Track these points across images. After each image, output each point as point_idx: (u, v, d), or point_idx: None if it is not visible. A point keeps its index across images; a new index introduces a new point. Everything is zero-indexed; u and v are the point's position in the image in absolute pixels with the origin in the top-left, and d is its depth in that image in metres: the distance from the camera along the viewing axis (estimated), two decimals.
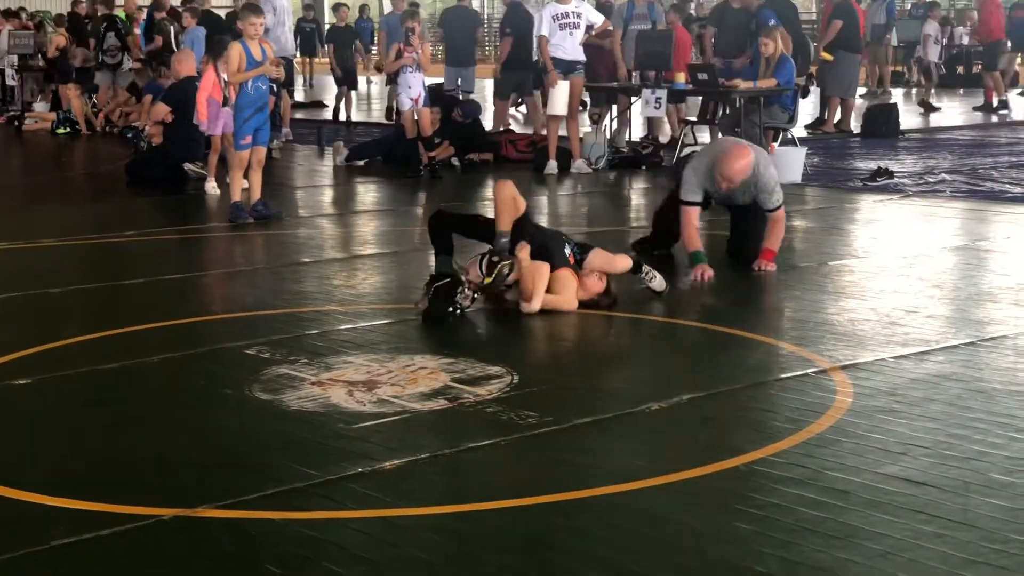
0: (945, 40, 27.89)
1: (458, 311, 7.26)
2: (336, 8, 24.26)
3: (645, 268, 7.92)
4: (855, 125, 19.00)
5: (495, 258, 7.37)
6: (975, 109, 23.22)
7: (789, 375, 6.13)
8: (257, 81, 11.12)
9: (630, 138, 15.84)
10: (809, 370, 6.20)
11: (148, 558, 4.13)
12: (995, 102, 22.86)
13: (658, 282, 7.87)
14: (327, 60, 23.36)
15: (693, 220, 8.66)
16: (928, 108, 22.96)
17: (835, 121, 18.81)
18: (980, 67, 26.81)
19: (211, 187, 13.33)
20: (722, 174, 8.38)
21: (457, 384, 5.97)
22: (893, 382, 5.97)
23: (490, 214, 7.92)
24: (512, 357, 6.53)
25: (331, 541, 4.22)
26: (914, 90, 27.67)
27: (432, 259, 7.85)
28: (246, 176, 11.21)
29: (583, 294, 7.52)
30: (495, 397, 5.76)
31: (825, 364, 6.28)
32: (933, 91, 24.99)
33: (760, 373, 6.20)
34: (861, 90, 23.69)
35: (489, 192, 13.64)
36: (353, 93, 21.98)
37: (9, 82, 24.40)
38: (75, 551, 4.15)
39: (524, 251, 7.36)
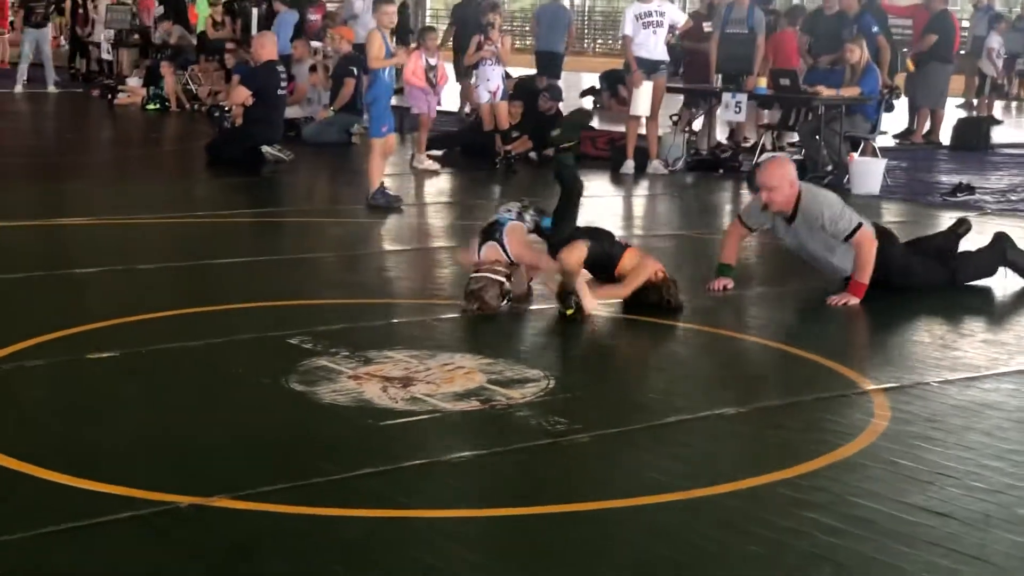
0: None
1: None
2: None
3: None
4: (945, 137, 18.70)
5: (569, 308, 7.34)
6: None
7: (828, 395, 6.06)
8: (390, 71, 11.46)
9: (710, 141, 15.71)
10: (850, 391, 6.13)
11: (159, 544, 4.18)
12: None
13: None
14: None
15: (734, 234, 8.60)
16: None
17: (924, 132, 18.55)
18: None
19: (427, 163, 14.06)
20: (760, 181, 8.26)
21: (492, 386, 5.96)
22: (933, 408, 5.88)
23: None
24: (552, 360, 6.53)
25: (338, 539, 4.25)
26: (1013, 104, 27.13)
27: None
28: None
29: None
30: (527, 401, 5.75)
31: (867, 385, 6.19)
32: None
33: (798, 391, 6.13)
34: (958, 101, 23.34)
35: None
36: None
37: (104, 56, 24.75)
38: (90, 533, 4.21)
39: (575, 254, 7.34)
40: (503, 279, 7.35)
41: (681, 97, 17.05)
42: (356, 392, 5.79)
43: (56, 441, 5.14)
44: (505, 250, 7.57)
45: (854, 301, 7.95)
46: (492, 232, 7.69)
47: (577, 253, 7.32)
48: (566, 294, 7.27)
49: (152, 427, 5.34)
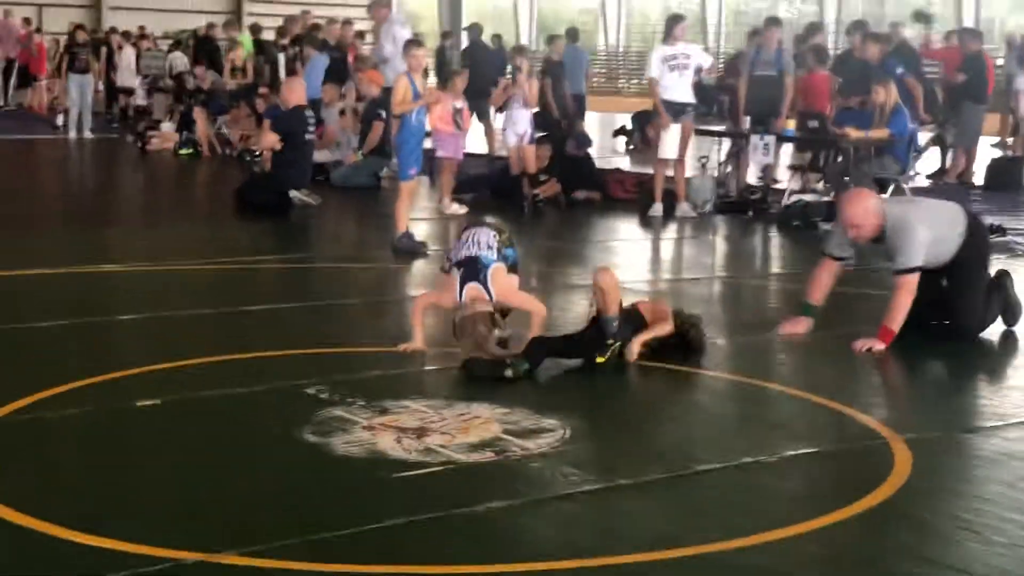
0: None
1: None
2: (551, 40, 21.89)
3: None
4: (979, 177, 18.57)
5: (609, 340, 7.28)
6: None
7: (849, 444, 5.98)
8: (419, 113, 11.49)
9: (739, 183, 15.65)
10: (872, 440, 6.04)
11: None
12: None
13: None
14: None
15: (825, 271, 8.47)
16: None
17: (958, 172, 18.43)
18: None
19: (454, 207, 14.10)
20: (844, 220, 8.19)
21: (507, 436, 5.92)
22: (956, 458, 5.81)
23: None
24: (569, 409, 6.45)
25: None
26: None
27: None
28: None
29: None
30: (543, 452, 5.70)
31: (890, 435, 6.10)
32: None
33: (819, 440, 6.06)
34: (993, 140, 23.19)
35: (591, 233, 13.63)
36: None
37: (139, 101, 24.96)
38: None
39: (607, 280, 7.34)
40: (492, 312, 7.32)
41: (711, 139, 17.03)
42: (370, 443, 5.76)
43: (68, 493, 5.13)
44: (489, 292, 7.46)
45: (880, 347, 7.84)
46: (475, 273, 7.50)
47: (608, 279, 7.32)
48: (601, 338, 7.22)
49: (163, 479, 5.32)
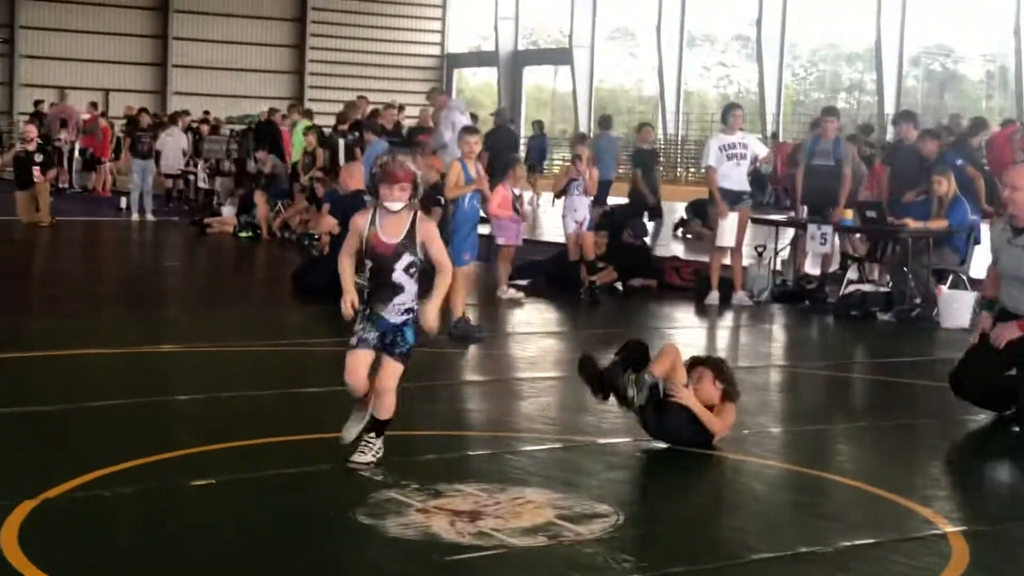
0: None
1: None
2: (641, 128, 21.89)
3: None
4: None
5: (646, 375, 7.27)
6: None
7: (904, 537, 5.92)
8: (472, 199, 11.61)
9: (796, 272, 15.62)
10: (928, 532, 5.98)
11: None
12: None
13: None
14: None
15: (995, 275, 8.61)
16: None
17: None
18: None
19: (511, 293, 14.19)
20: (1006, 180, 8.37)
21: (560, 521, 5.90)
22: (1016, 552, 5.73)
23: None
24: (623, 495, 6.44)
25: None
26: None
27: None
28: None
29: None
30: (596, 537, 5.68)
31: (946, 527, 6.04)
32: None
33: (874, 531, 5.99)
34: None
35: (647, 319, 13.62)
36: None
37: (201, 184, 25.31)
38: None
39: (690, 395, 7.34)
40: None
41: (767, 228, 17.04)
42: (424, 526, 5.76)
43: (119, 572, 5.15)
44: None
45: (1016, 334, 8.09)
46: None
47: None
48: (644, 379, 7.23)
49: (217, 559, 5.34)
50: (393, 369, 6.72)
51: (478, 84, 69.60)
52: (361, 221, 6.67)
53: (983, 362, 8.31)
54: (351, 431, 6.84)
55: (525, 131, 34.34)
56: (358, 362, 6.70)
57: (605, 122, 24.15)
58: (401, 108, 21.95)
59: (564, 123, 62.72)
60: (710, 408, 7.41)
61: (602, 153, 20.33)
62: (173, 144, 25.37)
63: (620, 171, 27.99)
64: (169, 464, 6.71)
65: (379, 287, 6.69)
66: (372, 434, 6.78)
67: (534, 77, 64.41)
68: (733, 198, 14.28)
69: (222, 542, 5.57)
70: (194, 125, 27.90)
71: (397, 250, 6.63)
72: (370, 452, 6.71)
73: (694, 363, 7.62)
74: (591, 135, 27.18)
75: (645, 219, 18.90)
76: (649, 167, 20.09)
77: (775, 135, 40.33)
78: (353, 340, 6.72)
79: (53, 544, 5.42)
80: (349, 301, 6.71)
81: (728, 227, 14.28)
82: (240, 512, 6.03)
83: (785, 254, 16.00)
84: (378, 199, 6.64)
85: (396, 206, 6.60)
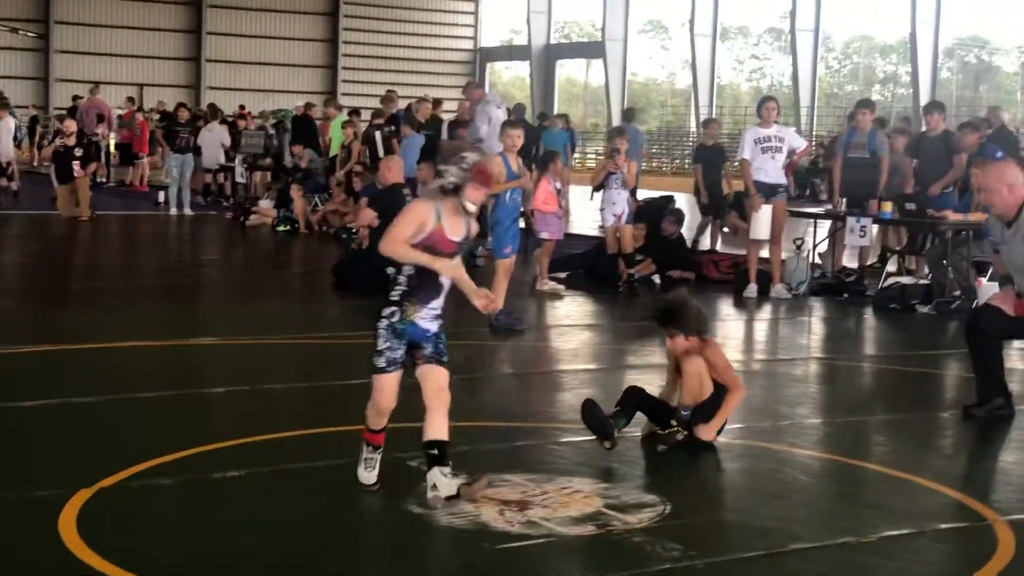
0: None
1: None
2: (707, 124, 20.75)
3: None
4: None
5: (674, 422, 7.33)
6: None
7: (950, 525, 5.96)
8: (514, 193, 11.70)
9: (834, 264, 15.63)
10: (974, 522, 6.02)
11: None
12: None
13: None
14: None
15: (999, 258, 8.66)
16: None
17: None
18: None
19: (550, 286, 14.24)
20: (978, 184, 8.36)
21: (609, 510, 5.97)
22: None
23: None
24: (669, 485, 6.50)
25: None
26: None
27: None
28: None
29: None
30: (644, 526, 5.75)
31: (992, 517, 6.08)
32: None
33: (920, 521, 6.03)
34: None
35: None
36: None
37: (238, 179, 25.45)
38: None
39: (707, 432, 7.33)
40: None
41: (805, 221, 17.05)
42: (473, 515, 5.83)
43: (176, 560, 5.24)
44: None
45: (1008, 310, 8.11)
46: None
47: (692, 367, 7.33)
48: (674, 427, 7.25)
49: (272, 546, 5.42)
50: (446, 377, 6.31)
51: (510, 78, 69.74)
52: (425, 211, 6.13)
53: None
54: (372, 475, 6.27)
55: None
56: (395, 385, 6.29)
57: (628, 115, 24.15)
58: (439, 102, 21.96)
59: (596, 116, 62.79)
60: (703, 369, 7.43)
61: (631, 144, 20.22)
62: (212, 139, 25.52)
63: (644, 165, 27.92)
64: (215, 455, 6.80)
65: (423, 286, 6.25)
66: (445, 466, 6.05)
67: (566, 71, 64.52)
68: (768, 191, 14.30)
69: (275, 531, 5.64)
70: (229, 119, 28.07)
71: (456, 249, 6.32)
72: (451, 478, 6.02)
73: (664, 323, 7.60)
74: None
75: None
76: (712, 164, 19.01)
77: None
78: (382, 362, 6.26)
79: (109, 531, 5.51)
80: (483, 295, 6.44)
81: (762, 220, 14.31)
82: (292, 503, 6.10)
83: (823, 247, 16.02)
84: (458, 196, 6.16)
85: (473, 207, 6.24)
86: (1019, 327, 8.37)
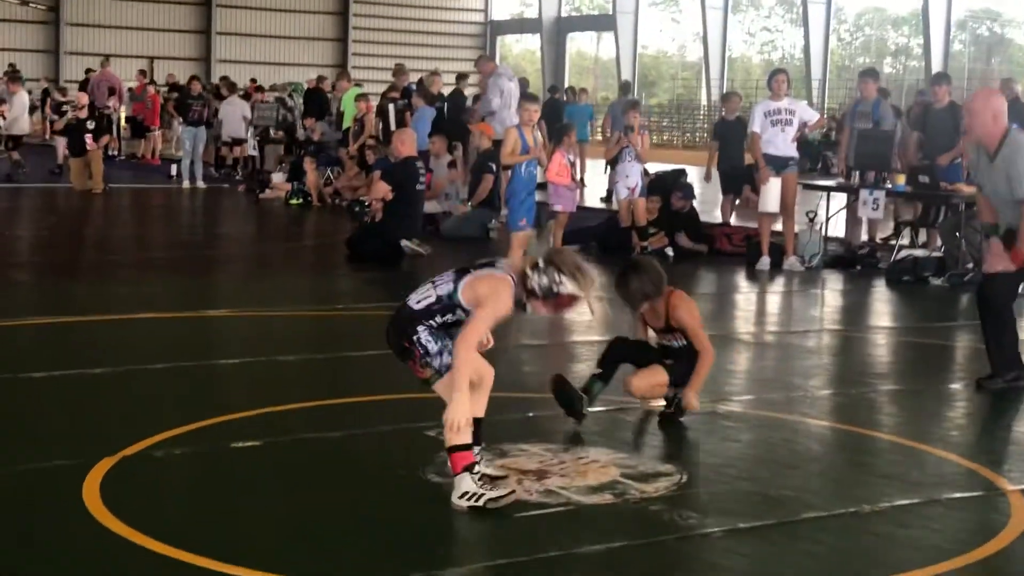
0: None
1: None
2: (727, 98, 19.44)
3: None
4: None
5: (663, 401, 7.38)
6: None
7: (964, 494, 6.01)
8: (529, 166, 11.77)
9: (847, 237, 15.65)
10: (987, 491, 6.07)
11: None
12: None
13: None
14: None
15: (984, 200, 8.52)
16: None
17: None
18: None
19: None
20: (964, 105, 8.37)
21: (625, 479, 6.03)
22: None
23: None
24: (685, 455, 6.57)
25: None
26: None
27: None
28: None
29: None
30: (661, 495, 5.80)
31: (1005, 486, 6.13)
32: None
33: (934, 489, 6.08)
34: None
35: (698, 285, 13.69)
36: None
37: (251, 152, 25.49)
38: None
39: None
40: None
41: (819, 194, 17.06)
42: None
43: (197, 526, 5.31)
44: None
45: (1009, 267, 8.07)
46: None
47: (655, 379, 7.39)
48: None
49: (288, 517, 5.48)
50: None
51: (521, 51, 69.60)
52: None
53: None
54: (501, 488, 5.61)
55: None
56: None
57: (625, 87, 24.40)
58: (464, 76, 22.01)
59: (607, 90, 62.63)
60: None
61: (620, 118, 20.17)
62: (233, 112, 25.54)
63: (655, 138, 28.09)
64: (232, 425, 6.85)
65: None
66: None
67: (577, 44, 64.34)
68: (778, 164, 14.32)
69: (295, 500, 5.71)
70: (240, 92, 28.08)
71: None
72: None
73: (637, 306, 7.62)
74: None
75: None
76: (730, 139, 17.90)
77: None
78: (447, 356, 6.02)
79: (132, 498, 5.58)
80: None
81: (772, 192, 14.33)
82: (310, 472, 6.16)
83: (837, 219, 16.03)
84: (530, 299, 6.19)
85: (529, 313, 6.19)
86: None
